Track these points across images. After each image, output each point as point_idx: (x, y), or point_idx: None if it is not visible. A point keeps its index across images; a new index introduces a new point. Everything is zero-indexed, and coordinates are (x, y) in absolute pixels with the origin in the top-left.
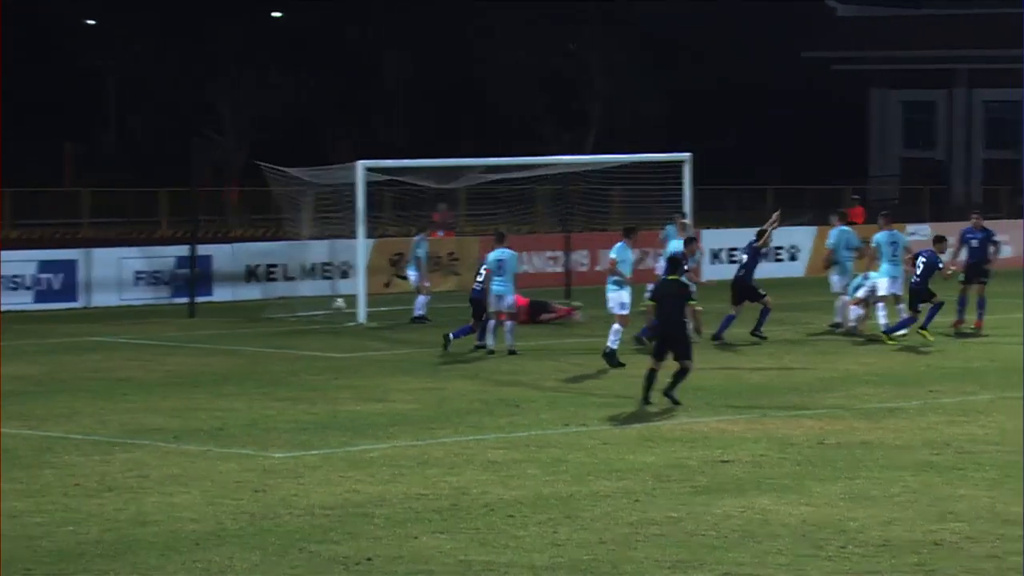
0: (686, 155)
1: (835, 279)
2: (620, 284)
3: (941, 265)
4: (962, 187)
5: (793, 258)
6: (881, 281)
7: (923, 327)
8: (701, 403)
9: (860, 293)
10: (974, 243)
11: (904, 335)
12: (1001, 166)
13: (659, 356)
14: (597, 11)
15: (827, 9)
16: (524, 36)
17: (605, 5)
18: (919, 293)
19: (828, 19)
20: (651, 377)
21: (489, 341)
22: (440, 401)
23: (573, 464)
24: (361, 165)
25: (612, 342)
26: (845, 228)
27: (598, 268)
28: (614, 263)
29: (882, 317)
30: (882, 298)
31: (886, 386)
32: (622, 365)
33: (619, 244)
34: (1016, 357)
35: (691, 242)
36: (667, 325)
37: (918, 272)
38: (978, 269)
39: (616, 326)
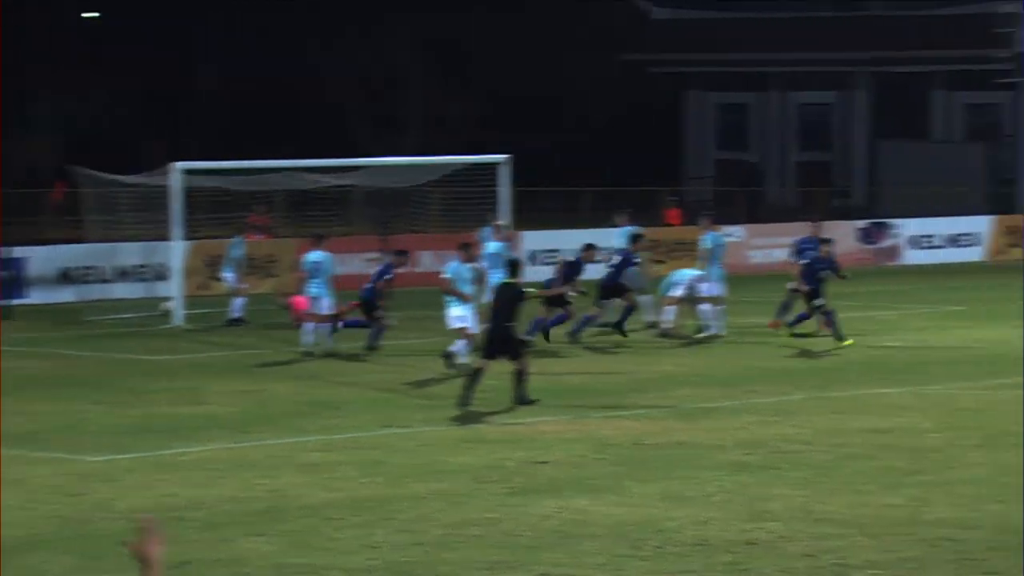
0: (504, 157)
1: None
2: (459, 301)
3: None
4: (777, 189)
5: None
6: (706, 284)
7: (791, 324)
8: (520, 404)
9: (677, 292)
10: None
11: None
12: (816, 168)
13: (489, 357)
14: (413, 14)
15: (642, 12)
16: (343, 39)
17: (423, 9)
18: (813, 295)
19: (643, 22)
20: (475, 377)
21: (308, 342)
22: (258, 403)
23: (391, 466)
24: (177, 167)
25: (453, 348)
26: (630, 228)
27: (416, 270)
28: (449, 283)
29: (711, 317)
30: (706, 299)
31: (702, 387)
32: (456, 368)
33: (453, 263)
34: (832, 359)
35: (590, 248)
36: (498, 328)
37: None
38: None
39: (459, 342)
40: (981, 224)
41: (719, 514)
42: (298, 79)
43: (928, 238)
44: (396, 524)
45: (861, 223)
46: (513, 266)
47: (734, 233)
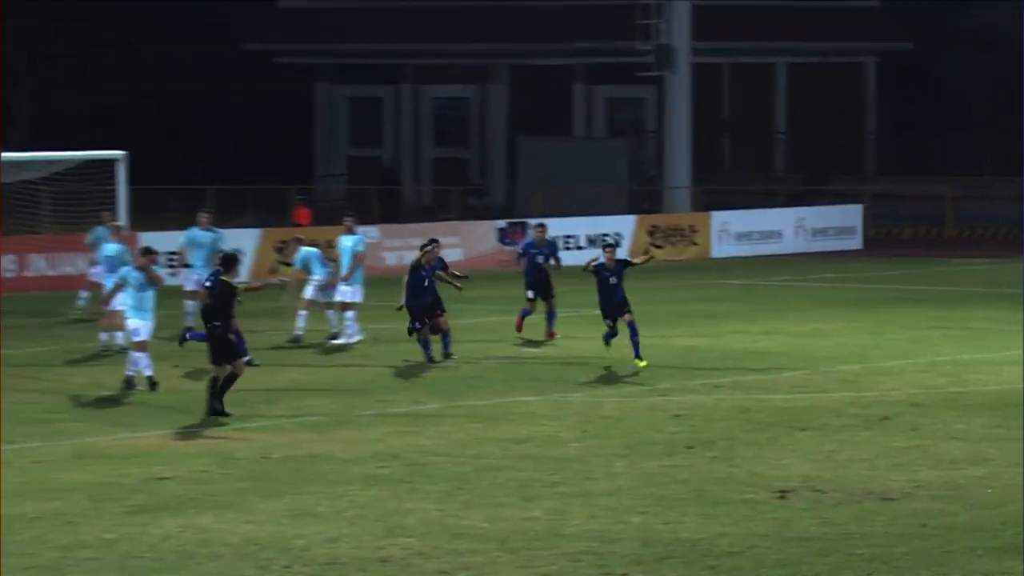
0: (120, 153)
1: (193, 278)
2: (136, 309)
3: (635, 261)
4: (412, 187)
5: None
6: (349, 288)
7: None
8: (141, 418)
9: (307, 294)
10: (539, 260)
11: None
12: (452, 165)
13: (217, 363)
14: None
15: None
16: None
17: None
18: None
19: (270, 10)
20: (214, 386)
21: None
22: None
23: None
24: None
25: (143, 368)
26: (207, 232)
27: (27, 274)
28: (118, 288)
29: (350, 327)
30: (347, 304)
31: (335, 396)
32: (138, 387)
33: (125, 269)
34: (470, 366)
35: (433, 243)
36: (212, 330)
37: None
38: (546, 285)
39: (136, 355)
40: (624, 224)
41: (351, 530)
42: None
43: (570, 239)
44: (7, 547)
45: (500, 223)
46: (227, 261)
47: (368, 233)
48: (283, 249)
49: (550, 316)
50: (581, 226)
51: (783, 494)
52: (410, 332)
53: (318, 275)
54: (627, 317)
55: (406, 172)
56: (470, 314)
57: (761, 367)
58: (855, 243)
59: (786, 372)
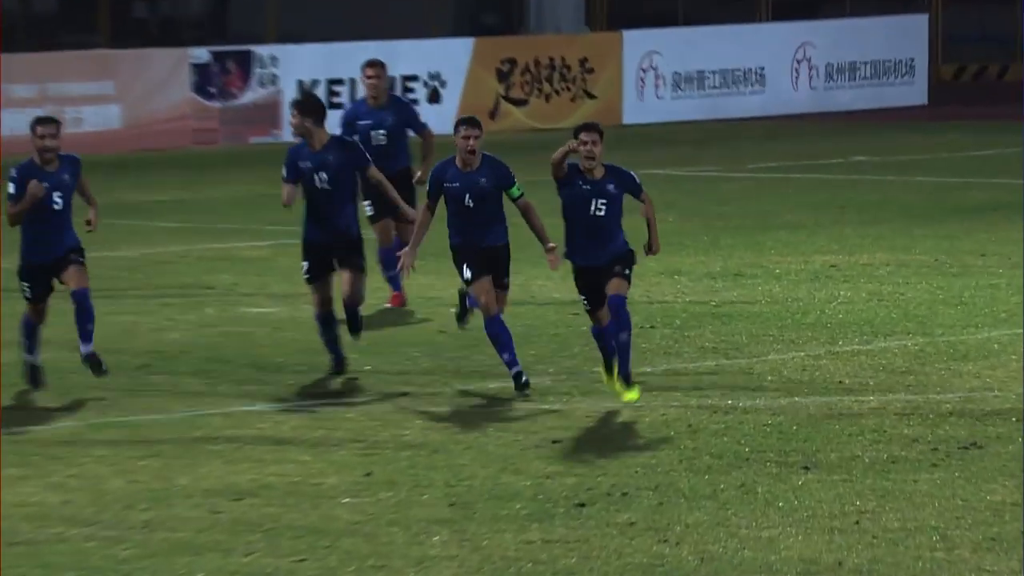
0: None
1: None
2: None
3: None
4: None
5: None
6: None
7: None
8: None
9: None
10: (381, 139)
11: None
12: None
13: None
14: None
15: None
16: None
17: None
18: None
19: None
20: None
21: None
22: None
23: None
24: None
25: None
26: None
27: None
28: None
29: None
30: None
31: None
32: None
33: None
34: (135, 343)
35: (470, 123)
36: None
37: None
38: (400, 189)
39: None
40: (450, 56)
41: None
42: None
43: (339, 86)
44: None
45: (198, 54)
46: None
47: None
48: None
49: (390, 253)
50: (357, 56)
51: None
52: (463, 315)
53: None
54: (613, 287)
55: None
56: (144, 239)
57: (722, 343)
58: (912, 93)
59: (772, 354)
